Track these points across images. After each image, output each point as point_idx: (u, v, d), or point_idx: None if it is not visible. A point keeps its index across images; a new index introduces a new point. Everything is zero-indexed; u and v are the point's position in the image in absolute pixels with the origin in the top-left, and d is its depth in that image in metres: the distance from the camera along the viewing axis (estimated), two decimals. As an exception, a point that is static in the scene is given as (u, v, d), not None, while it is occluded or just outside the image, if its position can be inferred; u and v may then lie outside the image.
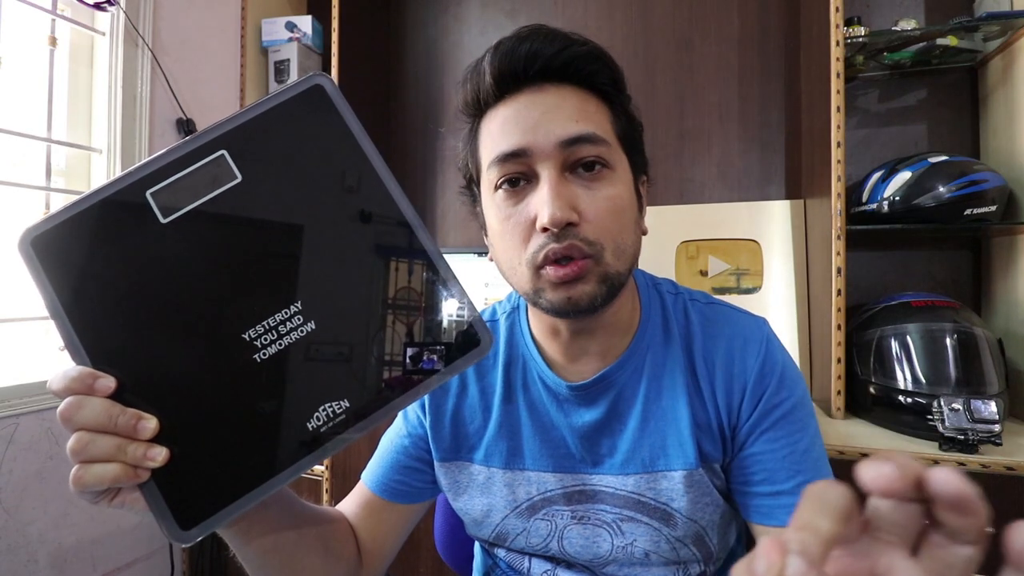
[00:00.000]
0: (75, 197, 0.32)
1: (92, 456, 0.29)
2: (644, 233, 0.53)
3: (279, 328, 0.32)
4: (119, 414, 0.30)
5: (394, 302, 0.33)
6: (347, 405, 0.32)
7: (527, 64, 0.47)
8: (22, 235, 0.31)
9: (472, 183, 0.54)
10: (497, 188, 0.49)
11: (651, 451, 0.52)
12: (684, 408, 0.52)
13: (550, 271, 0.46)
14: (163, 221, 0.32)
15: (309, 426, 0.31)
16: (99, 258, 0.31)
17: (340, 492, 1.28)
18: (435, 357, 0.33)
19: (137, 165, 0.32)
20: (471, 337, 0.33)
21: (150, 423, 0.30)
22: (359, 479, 0.61)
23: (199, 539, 0.30)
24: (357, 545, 0.56)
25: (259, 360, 0.31)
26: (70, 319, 0.31)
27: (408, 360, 0.33)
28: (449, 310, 0.34)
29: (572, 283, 0.46)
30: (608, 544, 0.53)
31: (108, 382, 0.30)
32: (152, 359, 0.31)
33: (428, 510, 0.64)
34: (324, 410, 0.32)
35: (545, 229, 0.45)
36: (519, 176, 0.48)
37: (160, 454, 0.30)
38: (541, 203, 0.45)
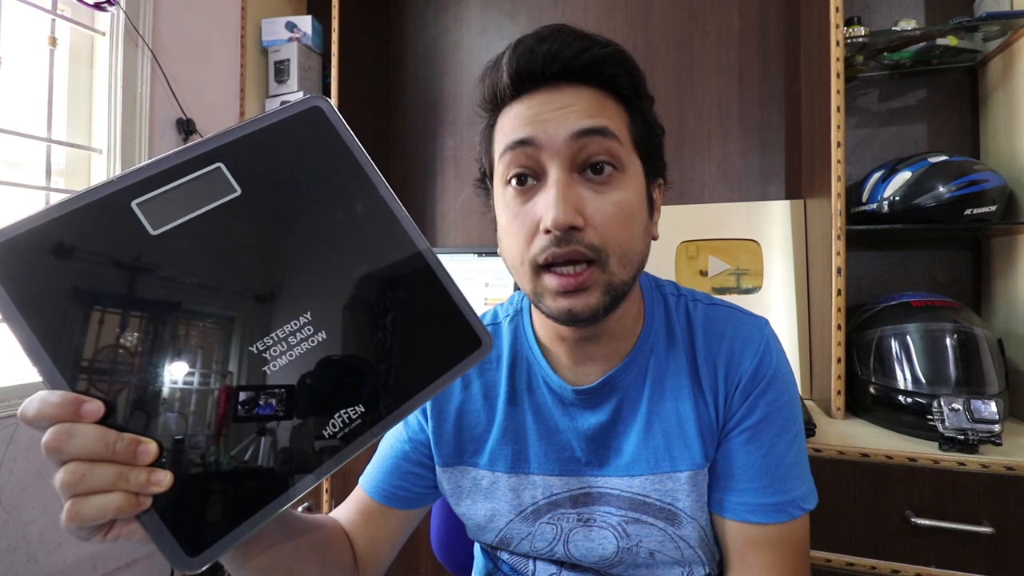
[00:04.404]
0: (44, 206, 0.29)
1: (91, 487, 0.27)
2: (654, 238, 0.53)
3: (289, 339, 0.32)
4: (116, 440, 0.27)
5: (399, 309, 0.34)
6: (362, 410, 0.32)
7: (545, 65, 0.46)
8: None
9: (486, 177, 0.54)
10: (507, 183, 0.49)
11: (656, 453, 0.53)
12: (689, 409, 0.53)
13: (551, 280, 0.46)
14: (153, 233, 0.30)
15: (326, 432, 0.32)
16: (75, 270, 0.29)
17: (340, 493, 1.28)
18: (439, 360, 0.35)
19: (118, 175, 0.30)
20: (472, 339, 0.35)
21: (151, 447, 0.28)
22: (358, 482, 0.61)
23: (208, 564, 0.29)
24: (353, 552, 0.55)
25: (270, 372, 0.31)
26: (41, 340, 0.28)
27: (415, 363, 0.34)
28: (450, 315, 0.35)
29: (574, 293, 0.46)
30: (614, 546, 0.53)
31: (96, 406, 0.27)
32: (144, 377, 0.29)
33: (426, 515, 0.64)
34: (340, 416, 0.32)
35: (549, 231, 0.45)
36: (528, 173, 0.47)
37: (165, 478, 0.28)
38: (546, 205, 0.45)
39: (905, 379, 0.99)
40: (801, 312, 1.26)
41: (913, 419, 0.95)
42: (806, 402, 1.18)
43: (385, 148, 1.75)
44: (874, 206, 1.12)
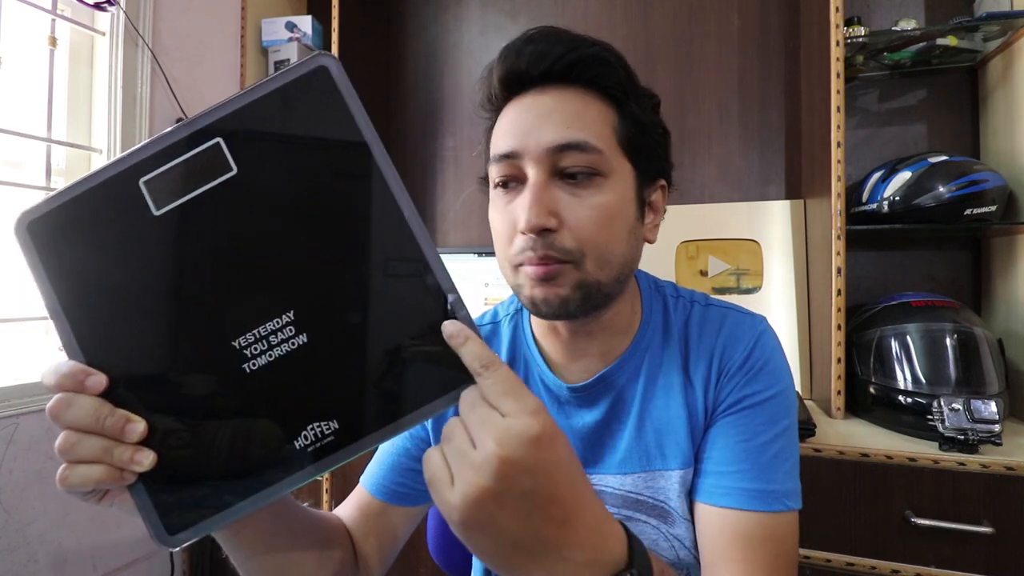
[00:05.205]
0: (75, 179, 0.30)
1: (78, 456, 0.28)
2: (650, 241, 0.53)
3: (269, 338, 0.29)
4: (107, 415, 0.29)
5: (392, 322, 0.30)
6: (336, 427, 0.29)
7: (530, 65, 0.48)
8: (18, 218, 0.29)
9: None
10: (496, 187, 0.50)
11: (648, 450, 0.53)
12: (680, 407, 0.52)
13: (528, 268, 0.47)
14: (156, 213, 0.29)
15: (296, 444, 0.29)
16: (93, 248, 0.29)
17: (340, 492, 1.28)
18: (428, 386, 0.30)
19: (134, 148, 0.30)
20: (467, 373, 0.30)
21: (138, 426, 0.29)
22: (359, 481, 0.61)
23: (184, 544, 0.30)
24: (354, 549, 0.55)
25: (248, 371, 0.29)
26: (65, 311, 0.29)
27: (400, 386, 0.30)
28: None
29: (546, 283, 0.47)
30: None
31: (99, 380, 0.29)
32: (143, 359, 0.30)
33: (426, 514, 0.64)
34: (312, 429, 0.29)
35: (524, 232, 0.46)
36: (511, 178, 0.49)
37: (147, 459, 0.29)
38: (521, 208, 0.46)
39: (905, 379, 0.99)
40: (801, 312, 1.26)
41: (913, 419, 0.95)
42: (806, 402, 1.18)
43: (385, 148, 1.75)
44: (874, 206, 1.12)
